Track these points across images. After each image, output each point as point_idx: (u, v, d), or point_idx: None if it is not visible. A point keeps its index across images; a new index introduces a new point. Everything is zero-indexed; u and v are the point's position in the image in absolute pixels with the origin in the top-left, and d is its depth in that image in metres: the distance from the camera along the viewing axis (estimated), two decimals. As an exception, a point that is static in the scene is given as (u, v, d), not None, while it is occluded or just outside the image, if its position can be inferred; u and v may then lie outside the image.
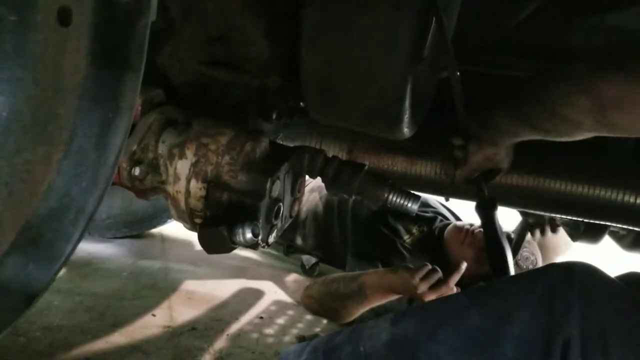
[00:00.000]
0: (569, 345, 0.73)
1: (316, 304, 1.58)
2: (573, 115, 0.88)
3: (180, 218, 0.95)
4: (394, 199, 1.03)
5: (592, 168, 1.36)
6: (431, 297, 1.41)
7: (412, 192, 1.08)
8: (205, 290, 1.92)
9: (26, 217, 0.60)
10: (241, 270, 2.15)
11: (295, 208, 1.04)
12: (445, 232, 1.98)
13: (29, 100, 0.57)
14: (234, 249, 0.86)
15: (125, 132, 0.64)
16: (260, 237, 0.90)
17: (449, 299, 0.91)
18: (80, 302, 1.66)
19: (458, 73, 1.06)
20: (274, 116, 1.13)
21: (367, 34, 0.98)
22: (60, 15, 0.58)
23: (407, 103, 1.04)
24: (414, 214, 1.06)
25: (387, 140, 1.38)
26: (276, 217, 0.94)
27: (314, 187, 2.31)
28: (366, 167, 1.05)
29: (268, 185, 0.89)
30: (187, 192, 0.91)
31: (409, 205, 1.03)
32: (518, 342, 0.77)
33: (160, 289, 1.85)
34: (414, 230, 2.07)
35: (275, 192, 0.92)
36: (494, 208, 1.13)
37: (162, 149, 0.93)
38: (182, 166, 0.91)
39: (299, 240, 2.25)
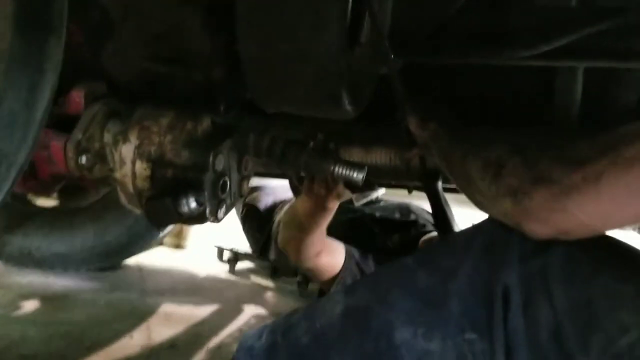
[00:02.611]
0: (508, 292, 0.73)
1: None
2: None
3: (130, 203, 0.97)
4: (340, 170, 1.07)
5: (538, 141, 1.40)
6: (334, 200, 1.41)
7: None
8: (184, 311, 1.91)
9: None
10: (220, 292, 2.15)
11: (245, 187, 1.06)
12: (418, 247, 1.97)
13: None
14: (180, 220, 0.88)
15: (51, 92, 0.68)
16: (208, 210, 0.92)
17: (398, 265, 0.92)
18: (56, 330, 1.65)
19: (393, 56, 1.11)
20: (222, 109, 1.16)
21: (298, 15, 1.04)
22: (-19, -15, 0.63)
23: (343, 82, 1.09)
24: (361, 183, 1.09)
25: (343, 131, 1.41)
26: (222, 191, 0.96)
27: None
28: (311, 144, 1.08)
29: (210, 158, 0.92)
30: (133, 174, 0.94)
31: (355, 175, 1.07)
32: (462, 297, 0.77)
33: (138, 312, 1.84)
34: (395, 237, 2.07)
35: (220, 166, 0.95)
36: (436, 179, 1.21)
37: (107, 137, 0.97)
38: (127, 150, 0.94)
39: (272, 255, 2.24)
